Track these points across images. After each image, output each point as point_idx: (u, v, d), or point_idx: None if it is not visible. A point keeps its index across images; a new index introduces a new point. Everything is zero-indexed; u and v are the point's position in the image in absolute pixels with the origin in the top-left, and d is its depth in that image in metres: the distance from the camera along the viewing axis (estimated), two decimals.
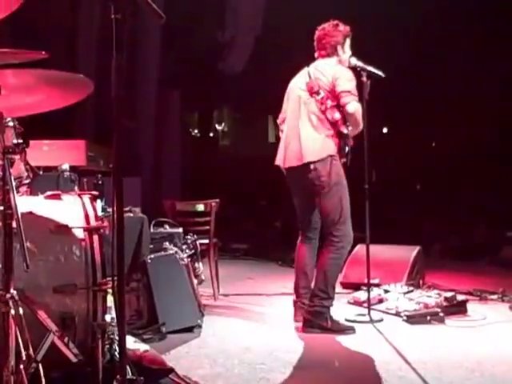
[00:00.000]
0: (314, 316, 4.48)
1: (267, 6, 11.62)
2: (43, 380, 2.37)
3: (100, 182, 4.78)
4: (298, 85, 4.69)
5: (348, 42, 4.69)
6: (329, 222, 4.52)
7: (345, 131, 4.48)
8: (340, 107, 4.45)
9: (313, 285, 4.58)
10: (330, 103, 4.47)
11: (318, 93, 4.50)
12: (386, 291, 5.39)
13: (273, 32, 10.99)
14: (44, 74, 2.49)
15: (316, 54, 4.71)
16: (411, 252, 6.21)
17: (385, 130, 13.13)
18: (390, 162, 10.83)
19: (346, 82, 4.46)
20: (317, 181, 4.45)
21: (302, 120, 4.57)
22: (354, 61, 4.73)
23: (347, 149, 4.52)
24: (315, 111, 4.52)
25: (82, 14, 10.59)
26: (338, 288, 6.24)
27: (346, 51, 4.68)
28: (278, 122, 4.89)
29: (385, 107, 9.61)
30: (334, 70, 4.52)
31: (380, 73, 4.80)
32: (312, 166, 4.44)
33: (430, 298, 5.01)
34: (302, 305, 4.64)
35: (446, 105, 10.64)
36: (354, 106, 4.41)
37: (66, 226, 2.95)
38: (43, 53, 2.47)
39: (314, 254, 4.74)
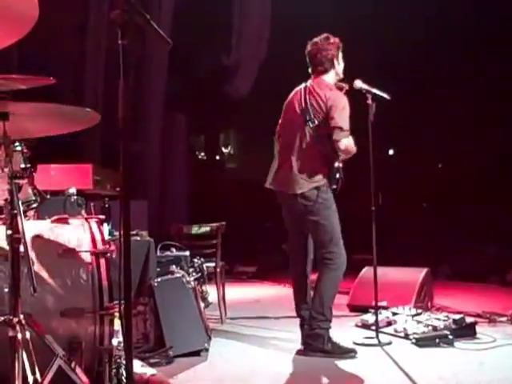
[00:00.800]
0: (313, 339, 4.46)
1: (273, 30, 11.71)
2: None
3: (107, 206, 4.79)
4: (293, 105, 4.65)
5: (340, 53, 4.67)
6: (321, 246, 4.54)
7: (336, 165, 4.49)
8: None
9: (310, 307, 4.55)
10: (322, 133, 4.46)
11: (313, 121, 4.49)
12: (395, 314, 5.35)
13: (278, 55, 11.05)
14: (52, 107, 2.51)
15: (310, 70, 4.66)
16: (419, 274, 6.17)
17: (391, 152, 13.13)
18: (396, 184, 10.82)
19: (339, 115, 4.41)
20: (305, 207, 4.48)
21: (295, 145, 4.56)
22: (360, 84, 4.75)
23: (337, 177, 4.52)
24: (309, 141, 4.51)
25: (89, 39, 10.70)
26: (345, 311, 6.23)
27: (340, 63, 4.66)
28: (275, 137, 4.86)
29: (390, 129, 9.63)
30: (328, 97, 4.48)
31: (385, 95, 4.82)
32: (299, 192, 4.47)
33: (439, 320, 4.97)
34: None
35: (452, 126, 10.65)
36: (344, 144, 4.41)
37: (73, 250, 2.96)
38: (50, 78, 2.49)
39: (306, 276, 4.70)
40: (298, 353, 4.52)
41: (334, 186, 4.51)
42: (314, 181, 4.47)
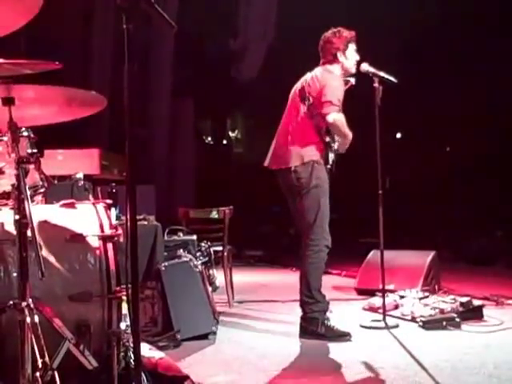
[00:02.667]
0: (306, 322, 4.49)
1: (279, 14, 11.66)
2: None
3: (114, 191, 4.80)
4: (296, 89, 4.71)
5: (352, 47, 4.66)
6: (305, 225, 4.53)
7: (327, 139, 4.50)
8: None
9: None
10: (316, 110, 4.49)
11: (308, 99, 4.54)
12: (402, 297, 5.36)
13: (286, 39, 11.01)
14: (58, 90, 2.51)
15: (321, 61, 4.72)
16: (426, 257, 6.18)
17: (398, 136, 13.09)
18: (403, 168, 10.80)
19: (330, 91, 4.45)
20: (296, 182, 4.50)
21: (292, 124, 4.62)
22: (366, 67, 4.74)
23: (331, 156, 4.54)
24: (303, 117, 4.55)
25: (95, 24, 10.67)
26: (353, 294, 6.25)
27: (349, 57, 4.65)
28: None
29: (398, 112, 9.60)
30: (323, 78, 4.54)
31: (392, 78, 4.80)
32: (293, 168, 4.49)
33: (446, 303, 4.98)
34: None
35: (460, 108, 10.60)
36: (332, 117, 4.41)
37: (81, 235, 2.97)
38: (57, 63, 2.49)
39: None
40: (297, 336, 4.52)
41: (328, 166, 4.51)
42: (307, 155, 4.48)
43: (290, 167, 4.50)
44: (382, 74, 4.76)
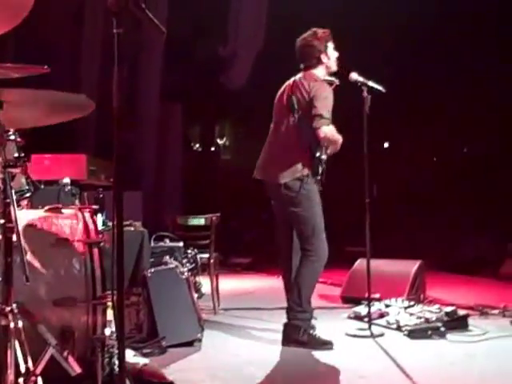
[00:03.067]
0: (289, 330, 4.47)
1: (269, 21, 11.69)
2: None
3: (101, 196, 4.78)
4: (282, 97, 4.66)
5: (331, 45, 4.64)
6: (302, 237, 4.54)
7: (317, 154, 4.46)
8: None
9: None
10: (305, 121, 4.45)
11: (297, 111, 4.50)
12: (387, 306, 5.37)
13: (275, 46, 11.03)
14: (46, 94, 2.50)
15: (301, 66, 4.65)
16: (412, 266, 6.19)
17: (386, 145, 13.14)
18: (391, 176, 10.84)
19: (320, 104, 4.42)
20: (288, 197, 4.48)
21: (281, 135, 4.60)
22: (355, 76, 4.75)
23: (321, 168, 4.50)
24: (293, 129, 4.53)
25: (85, 28, 10.66)
26: (338, 303, 6.25)
27: (330, 56, 4.63)
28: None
29: (386, 122, 9.64)
30: (312, 87, 4.49)
31: (380, 88, 4.82)
32: (283, 184, 4.48)
33: (431, 312, 4.99)
34: None
35: (446, 118, 10.67)
36: (323, 132, 4.39)
37: (67, 240, 2.96)
38: (45, 67, 2.49)
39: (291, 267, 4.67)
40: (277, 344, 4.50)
41: (318, 177, 4.50)
42: (297, 171, 4.47)
43: (280, 183, 4.49)
44: (370, 83, 4.78)
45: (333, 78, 4.64)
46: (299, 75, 4.65)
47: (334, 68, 4.68)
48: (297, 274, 4.53)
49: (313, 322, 4.55)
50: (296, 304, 4.46)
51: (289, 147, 4.53)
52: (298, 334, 4.43)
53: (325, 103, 4.45)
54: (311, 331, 4.47)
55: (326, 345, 4.42)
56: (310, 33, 4.65)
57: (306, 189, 4.47)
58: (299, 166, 4.48)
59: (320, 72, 4.62)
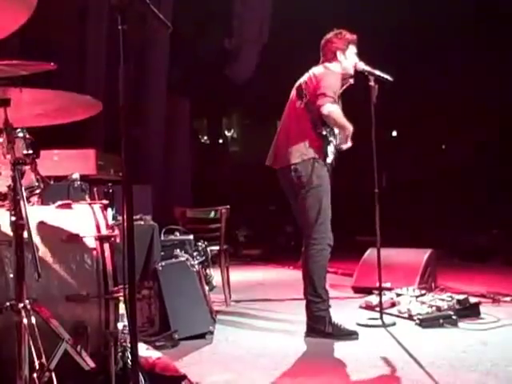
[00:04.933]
0: (313, 322, 4.47)
1: (274, 13, 11.66)
2: None
3: (110, 191, 4.80)
4: (295, 86, 4.71)
5: (352, 49, 4.69)
6: (307, 224, 4.52)
7: (324, 133, 4.47)
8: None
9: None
10: (312, 106, 4.47)
11: (305, 95, 4.54)
12: (398, 295, 5.37)
13: (281, 38, 11.00)
14: (54, 93, 2.51)
15: (320, 61, 4.73)
16: (423, 255, 6.19)
17: (394, 134, 13.10)
18: (400, 166, 10.81)
19: (325, 84, 4.44)
20: (296, 180, 4.48)
21: (291, 122, 4.62)
22: (362, 65, 4.74)
23: (331, 150, 4.51)
24: (301, 113, 4.55)
25: (90, 25, 10.65)
26: (349, 293, 6.25)
27: (348, 57, 4.67)
28: None
29: (394, 111, 9.61)
30: (319, 74, 4.55)
31: (387, 77, 4.80)
32: (293, 167, 4.48)
33: (443, 301, 4.99)
34: None
35: (456, 106, 10.61)
36: (327, 109, 4.39)
37: (77, 236, 2.96)
38: (52, 64, 2.49)
39: None
40: (303, 335, 4.51)
41: (329, 161, 4.50)
42: (307, 151, 4.47)
43: (290, 165, 4.49)
44: (377, 72, 4.77)
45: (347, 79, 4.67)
46: (313, 68, 4.68)
47: (350, 71, 4.69)
48: (306, 266, 4.53)
49: None
50: (314, 296, 4.46)
51: (297, 131, 4.54)
52: (323, 325, 4.42)
53: (330, 84, 4.47)
54: (335, 322, 4.46)
55: (351, 335, 4.42)
56: (337, 32, 4.71)
57: (316, 174, 4.45)
58: (308, 146, 4.47)
59: (335, 67, 4.64)
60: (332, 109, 4.41)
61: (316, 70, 4.62)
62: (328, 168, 4.54)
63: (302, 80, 4.67)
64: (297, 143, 4.51)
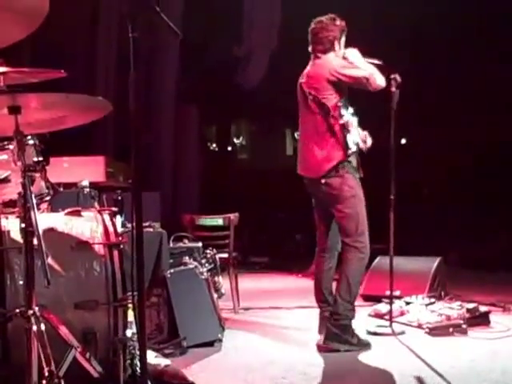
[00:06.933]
0: (341, 330, 4.31)
1: (283, 20, 11.68)
2: None
3: (119, 198, 4.81)
4: (300, 87, 4.56)
5: (343, 38, 4.53)
6: (346, 234, 4.45)
7: (341, 122, 4.32)
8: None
9: (334, 295, 4.45)
10: (322, 104, 4.36)
11: (309, 93, 4.41)
12: (408, 303, 5.34)
13: (289, 45, 11.01)
14: (64, 96, 2.52)
15: (310, 48, 4.54)
16: (432, 263, 6.16)
17: (403, 141, 13.06)
18: (409, 173, 10.77)
19: (351, 69, 4.35)
20: (330, 195, 4.40)
21: (308, 127, 4.51)
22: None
23: (351, 139, 4.35)
24: (314, 116, 4.42)
25: (100, 31, 10.71)
26: (359, 301, 6.22)
27: (341, 47, 4.51)
28: None
29: (402, 118, 9.58)
30: (319, 69, 4.42)
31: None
32: (323, 181, 4.38)
33: (452, 309, 4.96)
34: (324, 318, 4.51)
35: (464, 111, 10.57)
36: (372, 85, 4.28)
37: (87, 243, 2.97)
38: (62, 71, 2.50)
39: (330, 266, 4.63)
40: (318, 345, 4.38)
41: (354, 150, 4.37)
42: (331, 156, 4.34)
43: (320, 178, 4.39)
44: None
45: None
46: (311, 63, 4.55)
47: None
48: (343, 271, 4.41)
49: None
50: (346, 301, 4.33)
51: (314, 135, 4.43)
52: (350, 335, 4.32)
53: (354, 70, 4.35)
54: (355, 331, 4.39)
55: (368, 346, 4.36)
56: (329, 17, 4.51)
57: (348, 185, 4.36)
58: (330, 150, 4.36)
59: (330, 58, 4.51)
60: (356, 73, 4.31)
61: (323, 63, 4.42)
62: (356, 171, 4.43)
63: (302, 80, 4.52)
64: (318, 149, 4.39)
